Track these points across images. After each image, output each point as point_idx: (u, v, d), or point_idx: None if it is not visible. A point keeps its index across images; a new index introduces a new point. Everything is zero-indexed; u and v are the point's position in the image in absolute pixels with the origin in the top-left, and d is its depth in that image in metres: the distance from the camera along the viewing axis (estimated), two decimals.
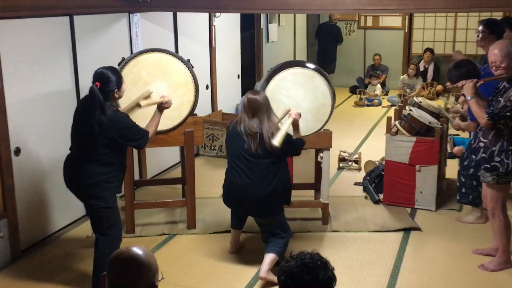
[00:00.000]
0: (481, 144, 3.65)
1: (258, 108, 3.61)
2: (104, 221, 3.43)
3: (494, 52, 3.51)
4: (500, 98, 3.50)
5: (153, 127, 3.65)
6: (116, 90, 3.41)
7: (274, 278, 3.53)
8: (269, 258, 3.63)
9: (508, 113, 3.45)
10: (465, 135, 6.58)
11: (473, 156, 3.75)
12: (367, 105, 9.37)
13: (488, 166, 3.61)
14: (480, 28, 4.55)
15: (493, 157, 3.58)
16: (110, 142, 3.36)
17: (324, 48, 10.49)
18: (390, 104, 9.19)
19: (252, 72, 8.18)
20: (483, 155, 3.63)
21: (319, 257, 1.86)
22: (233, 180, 3.67)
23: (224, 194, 3.81)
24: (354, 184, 5.51)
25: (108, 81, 3.38)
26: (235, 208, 3.90)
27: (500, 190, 3.67)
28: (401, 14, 10.39)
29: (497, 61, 3.49)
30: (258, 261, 3.73)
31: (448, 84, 4.35)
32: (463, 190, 4.51)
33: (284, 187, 3.68)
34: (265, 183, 3.58)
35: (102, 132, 3.32)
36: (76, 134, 3.46)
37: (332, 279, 1.83)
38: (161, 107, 3.73)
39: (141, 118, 4.12)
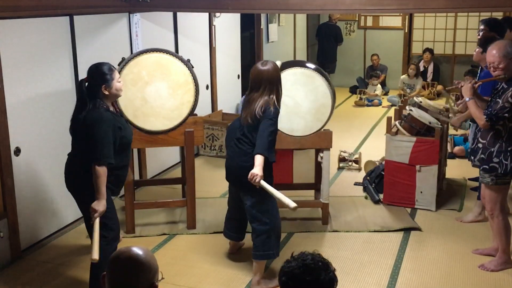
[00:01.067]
0: (480, 145, 3.65)
1: (262, 80, 3.48)
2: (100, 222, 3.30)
3: (492, 53, 3.50)
4: (498, 99, 3.50)
5: (99, 183, 3.22)
6: (104, 86, 3.26)
7: (267, 285, 3.56)
8: (254, 268, 3.61)
9: (506, 114, 3.45)
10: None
11: (472, 157, 3.75)
12: (367, 105, 9.37)
13: (487, 167, 3.61)
14: (481, 27, 4.56)
15: (492, 158, 3.58)
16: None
17: (324, 48, 10.49)
18: (390, 104, 9.19)
19: None
20: (482, 156, 3.63)
21: (321, 258, 1.86)
22: (229, 153, 3.64)
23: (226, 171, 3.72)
24: (354, 184, 5.51)
25: (94, 76, 3.27)
26: (228, 177, 3.73)
27: (498, 191, 3.66)
28: (401, 14, 10.39)
29: (495, 62, 3.48)
30: None
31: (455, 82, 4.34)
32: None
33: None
34: (247, 154, 3.47)
35: (80, 128, 3.24)
36: (72, 134, 3.41)
37: (333, 280, 1.83)
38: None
39: (141, 118, 4.15)
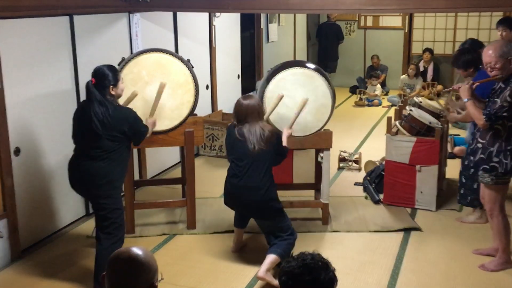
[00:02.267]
0: (479, 145, 3.65)
1: (249, 113, 3.68)
2: (113, 221, 3.46)
3: (489, 53, 3.51)
4: (496, 99, 3.50)
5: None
6: (112, 87, 3.42)
7: (272, 280, 3.54)
8: (269, 259, 3.62)
9: (505, 114, 3.45)
10: (465, 134, 6.59)
11: (472, 157, 3.75)
12: (367, 105, 9.37)
13: (487, 167, 3.61)
14: (500, 27, 4.64)
15: (492, 157, 3.58)
16: (117, 137, 3.41)
17: (326, 47, 10.49)
18: (390, 104, 9.19)
19: (252, 72, 8.18)
20: (482, 156, 3.63)
21: (321, 258, 1.86)
22: (235, 182, 3.70)
23: (225, 196, 3.82)
24: (354, 184, 5.51)
25: (102, 77, 3.40)
26: (237, 209, 3.93)
27: (498, 190, 3.66)
28: (401, 14, 10.38)
29: (492, 62, 3.49)
30: (258, 261, 3.72)
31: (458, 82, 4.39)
32: (462, 191, 4.52)
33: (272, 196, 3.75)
34: (261, 187, 3.65)
35: (107, 127, 3.35)
36: (80, 134, 3.46)
37: (333, 280, 1.83)
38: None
39: (142, 117, 4.14)
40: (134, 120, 3.51)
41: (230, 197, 3.79)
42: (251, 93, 3.93)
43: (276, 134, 3.75)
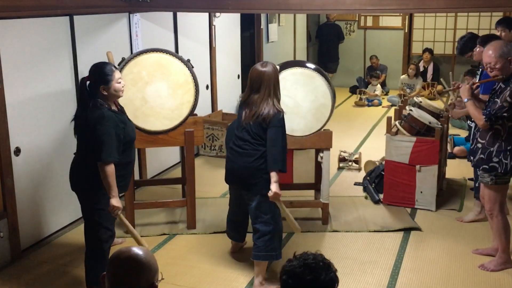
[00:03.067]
0: (479, 145, 3.66)
1: (262, 82, 3.47)
2: (97, 221, 3.34)
3: (488, 54, 3.51)
4: (496, 99, 3.50)
5: (110, 182, 3.24)
6: (103, 86, 3.25)
7: (269, 286, 3.55)
8: (256, 268, 3.60)
9: (505, 114, 3.46)
10: (465, 134, 6.59)
11: (472, 157, 3.75)
12: (367, 105, 9.37)
13: (487, 167, 3.61)
14: (499, 28, 4.64)
15: (492, 157, 3.58)
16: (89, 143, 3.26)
17: (327, 48, 10.49)
18: (390, 104, 9.19)
19: None
20: (481, 156, 3.63)
21: (322, 258, 1.85)
22: (229, 155, 3.65)
23: (225, 173, 3.73)
24: (354, 184, 5.51)
25: (94, 76, 3.29)
26: (228, 178, 3.73)
27: (498, 190, 3.67)
28: (401, 14, 10.38)
29: (492, 62, 3.49)
30: None
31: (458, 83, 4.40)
32: (478, 184, 4.46)
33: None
34: (252, 156, 3.49)
35: (81, 129, 3.28)
36: (77, 136, 3.43)
37: (334, 281, 1.82)
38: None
39: (141, 118, 4.14)
40: (97, 131, 3.18)
41: (227, 167, 3.68)
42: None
43: (277, 119, 3.45)
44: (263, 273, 3.60)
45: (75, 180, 3.41)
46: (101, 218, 3.34)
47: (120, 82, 3.36)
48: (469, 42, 4.66)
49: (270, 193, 3.43)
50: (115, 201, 3.25)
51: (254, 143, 3.50)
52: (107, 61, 3.51)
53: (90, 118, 3.22)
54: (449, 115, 4.97)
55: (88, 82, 3.33)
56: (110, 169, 3.19)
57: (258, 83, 3.48)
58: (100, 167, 3.19)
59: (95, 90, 3.28)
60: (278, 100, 3.54)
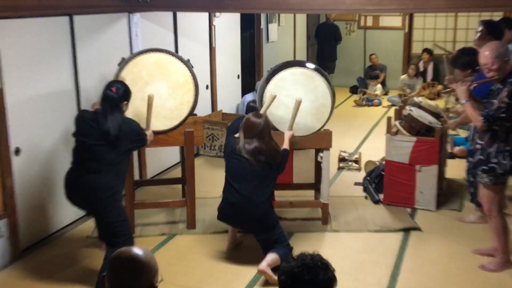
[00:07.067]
0: (478, 146, 3.66)
1: (258, 131, 3.74)
2: (119, 234, 3.42)
3: (485, 54, 3.51)
4: (494, 100, 3.50)
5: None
6: (126, 102, 3.56)
7: (272, 275, 3.56)
8: (270, 256, 3.65)
9: (503, 115, 3.45)
10: (465, 134, 6.59)
11: (471, 158, 3.75)
12: (367, 105, 9.37)
13: (486, 167, 3.61)
14: (480, 28, 4.60)
15: (490, 158, 3.58)
16: (125, 150, 3.50)
17: (324, 48, 10.49)
18: (390, 104, 9.18)
19: (252, 72, 8.18)
20: (480, 157, 3.63)
21: (320, 258, 1.86)
22: (230, 199, 3.77)
23: (220, 212, 3.89)
24: (354, 184, 5.51)
25: (125, 92, 3.55)
26: (234, 225, 3.99)
27: (497, 191, 3.67)
28: (401, 14, 10.38)
29: (488, 63, 3.49)
30: (257, 261, 3.71)
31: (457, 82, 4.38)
32: (472, 190, 4.47)
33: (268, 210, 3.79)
34: (258, 201, 3.69)
35: (118, 138, 3.40)
36: (84, 145, 3.44)
37: (332, 280, 1.83)
38: None
39: (141, 120, 4.14)
40: (137, 128, 3.67)
41: (224, 213, 3.87)
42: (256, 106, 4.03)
43: (281, 153, 3.85)
44: (273, 263, 3.64)
45: (96, 196, 3.41)
46: (124, 228, 3.46)
47: None
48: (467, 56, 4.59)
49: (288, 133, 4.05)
50: (151, 135, 3.96)
51: (262, 191, 3.70)
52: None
53: (129, 123, 3.58)
54: (447, 126, 4.94)
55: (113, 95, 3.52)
56: (150, 137, 3.90)
57: (255, 133, 3.74)
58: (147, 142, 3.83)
59: (118, 104, 3.51)
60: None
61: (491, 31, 4.55)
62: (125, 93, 3.57)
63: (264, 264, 3.60)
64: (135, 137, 3.63)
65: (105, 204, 3.39)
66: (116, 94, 3.49)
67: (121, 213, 3.48)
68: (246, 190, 3.69)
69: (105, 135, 3.40)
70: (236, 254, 4.06)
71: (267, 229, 3.75)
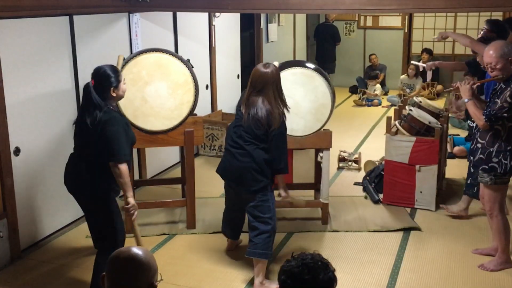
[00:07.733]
0: (479, 145, 3.66)
1: (265, 83, 3.48)
2: (109, 226, 3.35)
3: (489, 54, 3.51)
4: (496, 99, 3.50)
5: (125, 181, 3.26)
6: (113, 88, 3.25)
7: (270, 286, 3.55)
8: (256, 269, 3.60)
9: (505, 114, 3.46)
10: (464, 134, 6.60)
11: (471, 157, 3.75)
12: (367, 105, 9.37)
13: (486, 167, 3.61)
14: (485, 26, 4.63)
15: (491, 158, 3.58)
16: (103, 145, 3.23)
17: (323, 48, 10.49)
18: (390, 104, 9.19)
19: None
20: (481, 156, 3.64)
21: (320, 258, 1.86)
22: (227, 148, 3.64)
23: (219, 165, 3.75)
24: (354, 184, 5.51)
25: (103, 78, 3.24)
26: (226, 176, 3.75)
27: (497, 190, 3.67)
28: (400, 14, 10.39)
29: (492, 63, 3.49)
30: None
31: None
32: (469, 181, 4.46)
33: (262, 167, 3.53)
34: (253, 154, 3.50)
35: (97, 131, 3.21)
36: (79, 139, 3.36)
37: (332, 280, 1.83)
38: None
39: (141, 118, 4.15)
40: (110, 132, 3.18)
41: (223, 166, 3.69)
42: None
43: (281, 124, 3.51)
44: (263, 272, 3.60)
45: (74, 182, 3.36)
46: (117, 223, 3.36)
47: (125, 83, 3.39)
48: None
49: (283, 194, 3.69)
50: (133, 200, 3.31)
51: (255, 144, 3.51)
52: (110, 63, 3.50)
53: (102, 121, 3.18)
54: (452, 111, 4.95)
55: (92, 86, 3.26)
56: (124, 167, 3.21)
57: (261, 85, 3.50)
58: (114, 167, 3.19)
59: (104, 93, 3.24)
60: (283, 101, 3.56)
61: (494, 29, 4.57)
62: (104, 80, 3.22)
63: (257, 283, 3.58)
64: (106, 135, 3.17)
65: (85, 189, 3.32)
66: (94, 85, 3.24)
67: (111, 206, 3.37)
68: (243, 142, 3.52)
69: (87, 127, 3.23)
70: (236, 254, 4.06)
71: (251, 187, 3.51)
